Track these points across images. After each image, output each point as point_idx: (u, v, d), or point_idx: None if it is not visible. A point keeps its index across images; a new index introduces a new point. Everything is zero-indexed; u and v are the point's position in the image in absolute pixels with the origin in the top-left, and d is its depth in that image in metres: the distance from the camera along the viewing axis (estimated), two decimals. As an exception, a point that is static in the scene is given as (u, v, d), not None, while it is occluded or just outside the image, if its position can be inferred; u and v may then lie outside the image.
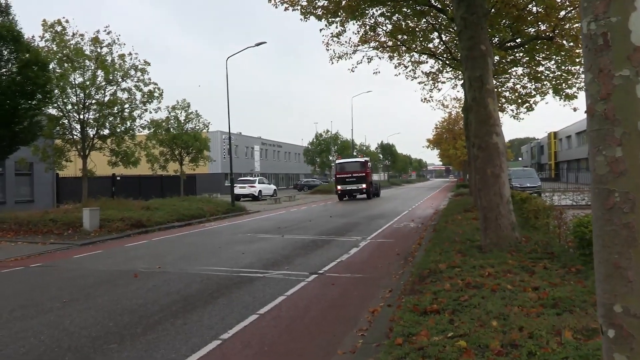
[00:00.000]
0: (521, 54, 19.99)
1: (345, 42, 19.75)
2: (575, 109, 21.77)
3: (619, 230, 2.06)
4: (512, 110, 24.73)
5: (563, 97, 20.46)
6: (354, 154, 57.96)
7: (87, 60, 22.38)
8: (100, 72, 22.52)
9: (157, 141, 31.55)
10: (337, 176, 39.62)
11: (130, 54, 23.79)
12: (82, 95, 22.35)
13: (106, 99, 22.95)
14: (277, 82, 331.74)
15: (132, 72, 23.70)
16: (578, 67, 18.64)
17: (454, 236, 11.31)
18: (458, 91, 40.91)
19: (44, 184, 27.69)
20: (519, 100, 23.54)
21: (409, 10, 17.04)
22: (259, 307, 7.23)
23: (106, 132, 23.52)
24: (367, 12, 16.91)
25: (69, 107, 22.40)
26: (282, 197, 41.09)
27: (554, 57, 18.83)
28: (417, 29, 19.21)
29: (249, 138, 73.08)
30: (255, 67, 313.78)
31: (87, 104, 22.53)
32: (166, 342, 5.79)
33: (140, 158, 26.27)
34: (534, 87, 22.35)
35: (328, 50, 19.56)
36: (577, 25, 15.73)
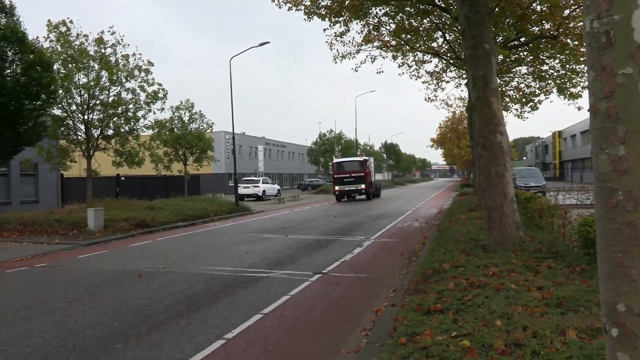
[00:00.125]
0: (525, 53, 19.92)
1: (349, 41, 19.77)
2: (579, 108, 21.80)
3: (622, 228, 2.06)
4: (516, 109, 24.66)
5: (567, 96, 20.38)
6: (358, 153, 57.86)
7: (91, 61, 22.45)
8: (104, 73, 22.59)
9: (161, 141, 31.61)
10: (335, 176, 37.60)
11: (134, 54, 23.87)
12: (86, 95, 22.41)
13: (110, 99, 23.03)
14: (280, 82, 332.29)
15: (136, 72, 23.77)
16: (582, 65, 18.54)
17: (458, 236, 11.29)
18: (462, 90, 40.80)
19: (49, 184, 27.78)
20: (523, 100, 23.47)
21: (412, 10, 17.01)
22: (263, 306, 7.24)
23: (110, 132, 23.60)
24: (370, 11, 16.90)
25: (74, 107, 22.47)
26: (286, 197, 41.10)
27: (559, 55, 18.76)
28: (420, 28, 19.17)
29: (253, 138, 73.15)
30: (258, 67, 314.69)
31: (91, 104, 22.59)
32: (171, 342, 5.81)
33: (145, 158, 26.33)
34: (538, 86, 22.28)
35: (332, 49, 19.56)
36: (581, 23, 15.67)
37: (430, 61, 23.12)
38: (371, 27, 18.64)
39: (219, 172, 57.86)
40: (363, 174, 36.69)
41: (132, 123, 24.00)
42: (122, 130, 23.76)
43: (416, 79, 24.62)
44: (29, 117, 17.78)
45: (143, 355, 5.42)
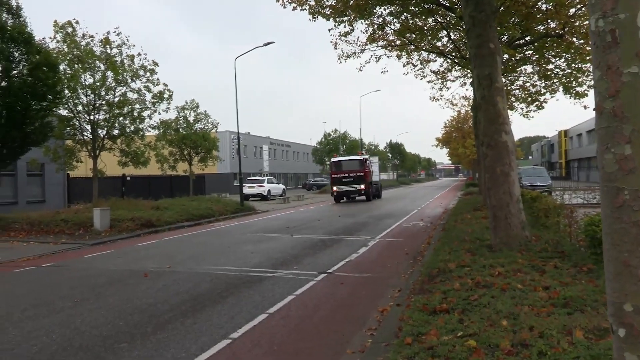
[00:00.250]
0: (530, 52, 19.86)
1: (354, 41, 19.74)
2: (585, 107, 21.66)
3: (629, 228, 2.05)
4: (521, 108, 24.61)
5: (573, 95, 20.31)
6: (363, 153, 57.73)
7: (97, 61, 22.54)
8: (110, 73, 22.68)
9: (167, 141, 31.72)
10: (333, 176, 35.27)
11: (139, 54, 23.97)
12: (92, 96, 22.52)
13: (116, 99, 23.12)
14: (284, 82, 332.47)
15: (141, 72, 23.85)
16: (588, 64, 18.48)
17: (464, 235, 11.26)
18: (467, 89, 40.69)
19: (55, 184, 27.91)
20: (529, 99, 23.41)
21: (417, 9, 16.98)
22: (268, 306, 7.24)
23: (116, 132, 23.69)
24: (375, 11, 16.88)
25: (80, 108, 22.58)
26: (291, 196, 41.08)
27: (564, 54, 18.70)
28: (425, 28, 19.15)
29: (258, 138, 73.25)
30: (262, 67, 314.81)
31: (97, 104, 22.70)
32: (176, 341, 5.82)
33: (150, 158, 26.41)
34: (543, 85, 22.22)
35: (336, 49, 19.59)
36: (587, 22, 15.59)
37: (435, 60, 23.14)
38: (376, 26, 18.63)
39: (224, 171, 57.99)
40: (362, 174, 34.50)
41: (137, 123, 24.10)
42: (128, 130, 23.85)
43: (421, 79, 24.72)
44: (35, 117, 17.87)
45: (149, 355, 5.43)
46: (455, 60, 21.69)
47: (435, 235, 13.84)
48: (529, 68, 22.13)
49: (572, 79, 20.13)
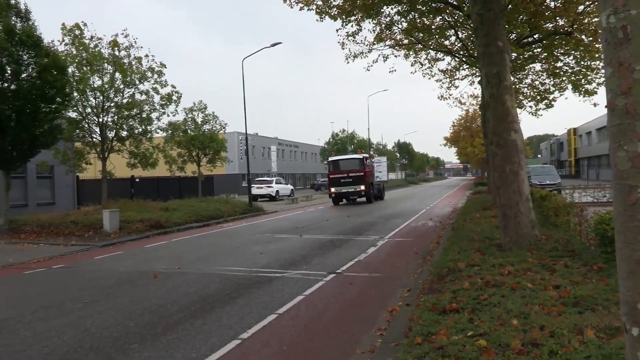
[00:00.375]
0: (539, 50, 19.75)
1: (361, 41, 19.74)
2: (595, 105, 21.49)
3: (642, 226, 2.03)
4: (530, 106, 24.47)
5: (582, 92, 20.17)
6: (371, 153, 57.62)
7: (105, 64, 22.68)
8: (118, 75, 22.82)
9: (175, 143, 31.86)
10: (331, 176, 32.79)
11: (147, 55, 24.12)
12: (101, 98, 22.67)
13: (124, 101, 23.25)
14: (291, 82, 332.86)
15: (149, 74, 23.97)
16: (597, 62, 18.35)
17: (473, 234, 11.21)
18: (475, 88, 40.44)
19: (65, 186, 28.12)
20: (538, 97, 23.27)
21: (424, 8, 16.95)
22: (278, 306, 7.25)
23: (125, 134, 23.82)
24: (382, 10, 16.86)
25: (88, 110, 22.75)
26: (299, 197, 41.11)
27: (573, 52, 18.59)
28: (433, 27, 19.09)
29: (266, 138, 73.39)
30: (269, 67, 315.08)
31: (105, 106, 22.85)
32: (186, 342, 5.84)
33: (159, 160, 26.57)
34: (552, 83, 22.08)
35: (344, 49, 19.58)
36: (596, 19, 15.49)
37: (443, 59, 23.10)
38: (383, 26, 18.62)
39: (232, 172, 58.12)
40: (362, 174, 31.94)
41: (145, 124, 24.22)
42: (136, 131, 23.98)
43: (429, 78, 24.63)
44: (44, 120, 18.01)
45: (159, 356, 5.45)
46: (464, 58, 21.62)
47: (444, 235, 13.79)
48: (537, 66, 22.04)
49: (581, 77, 19.99)
